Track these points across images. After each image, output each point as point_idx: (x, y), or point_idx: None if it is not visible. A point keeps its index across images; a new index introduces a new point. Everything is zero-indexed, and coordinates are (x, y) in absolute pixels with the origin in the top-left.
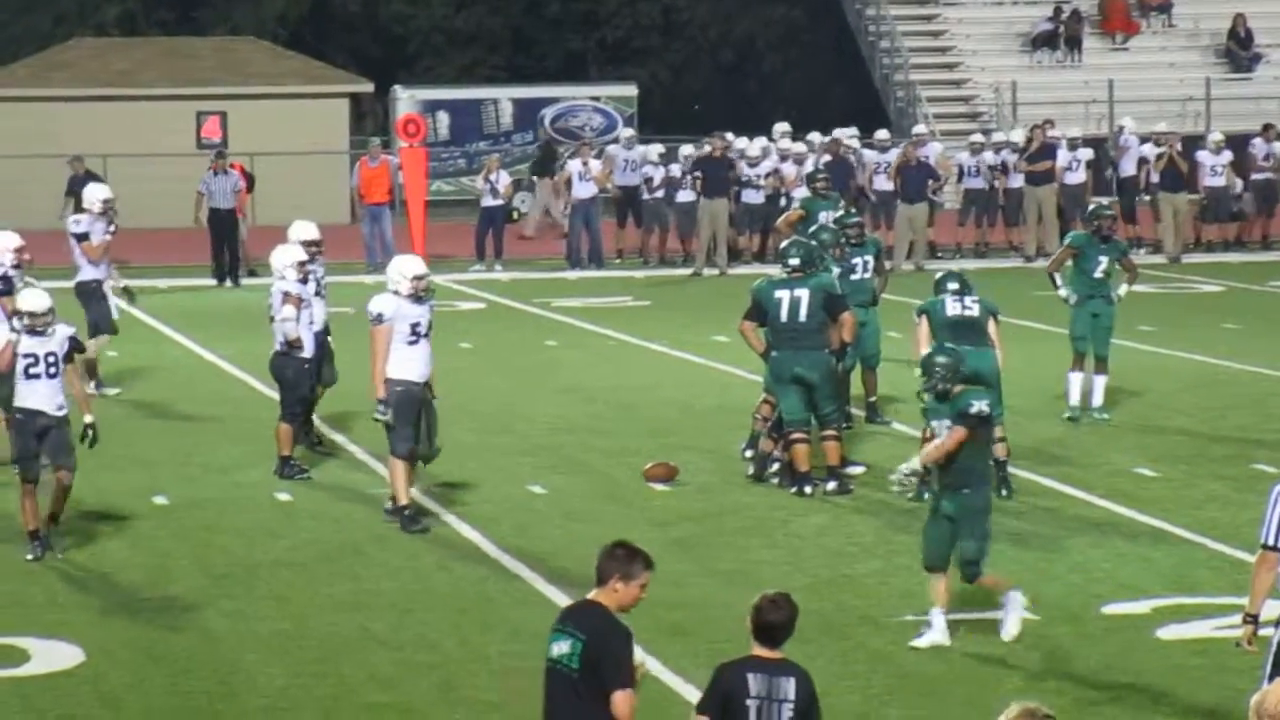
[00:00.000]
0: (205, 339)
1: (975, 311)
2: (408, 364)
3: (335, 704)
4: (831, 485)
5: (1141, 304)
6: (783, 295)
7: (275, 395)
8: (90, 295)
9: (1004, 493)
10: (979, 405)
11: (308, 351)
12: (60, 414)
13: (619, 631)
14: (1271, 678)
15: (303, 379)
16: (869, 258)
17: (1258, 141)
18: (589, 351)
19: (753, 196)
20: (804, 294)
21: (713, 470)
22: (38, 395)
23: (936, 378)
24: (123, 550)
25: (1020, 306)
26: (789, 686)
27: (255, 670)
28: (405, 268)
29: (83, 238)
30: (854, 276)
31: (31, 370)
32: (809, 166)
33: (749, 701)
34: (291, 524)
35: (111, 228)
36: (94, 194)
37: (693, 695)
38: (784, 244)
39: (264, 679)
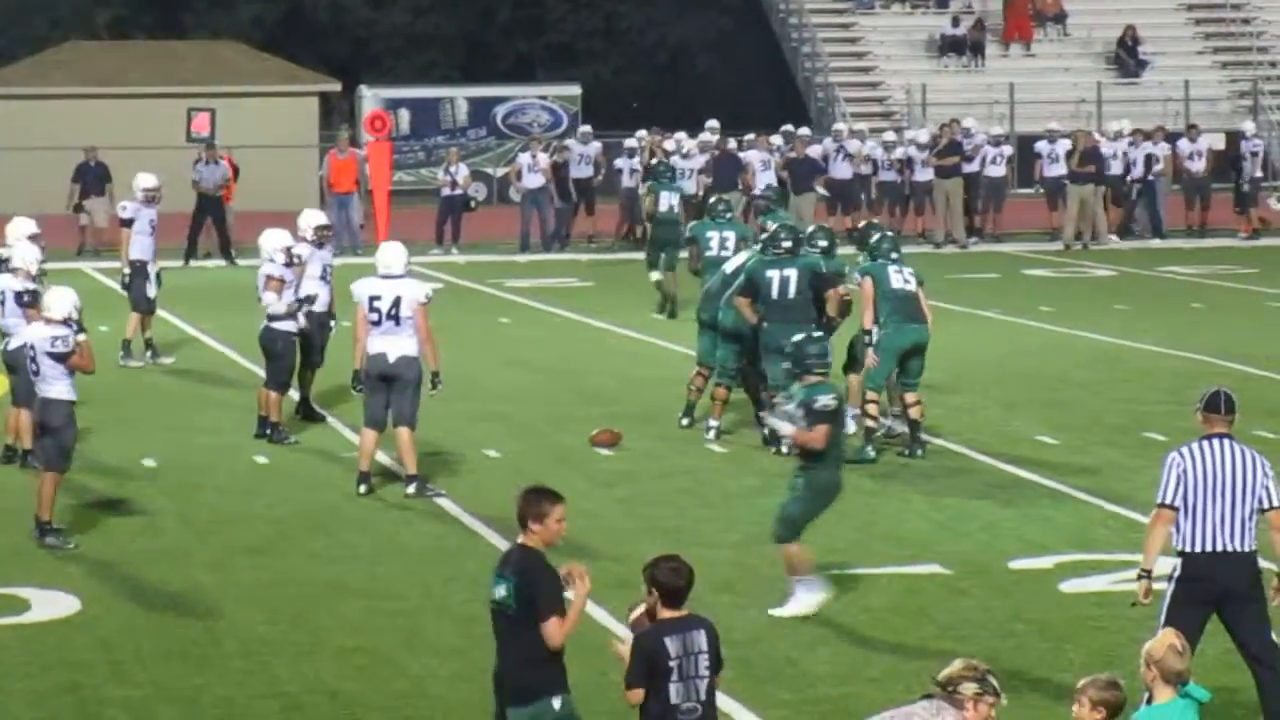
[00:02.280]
0: (189, 314)
1: (913, 285)
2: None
3: (310, 648)
4: None
5: (1041, 287)
6: (774, 274)
7: (253, 367)
8: (138, 273)
9: (919, 453)
10: (824, 400)
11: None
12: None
13: (543, 567)
14: (1163, 627)
15: (290, 351)
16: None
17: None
18: (539, 328)
19: (688, 188)
20: (793, 273)
21: (653, 436)
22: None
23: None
24: (115, 508)
25: (929, 288)
26: (701, 639)
27: (236, 617)
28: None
29: (128, 223)
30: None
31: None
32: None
33: (671, 663)
34: (269, 484)
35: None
36: (140, 182)
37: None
38: (774, 227)
39: (244, 625)
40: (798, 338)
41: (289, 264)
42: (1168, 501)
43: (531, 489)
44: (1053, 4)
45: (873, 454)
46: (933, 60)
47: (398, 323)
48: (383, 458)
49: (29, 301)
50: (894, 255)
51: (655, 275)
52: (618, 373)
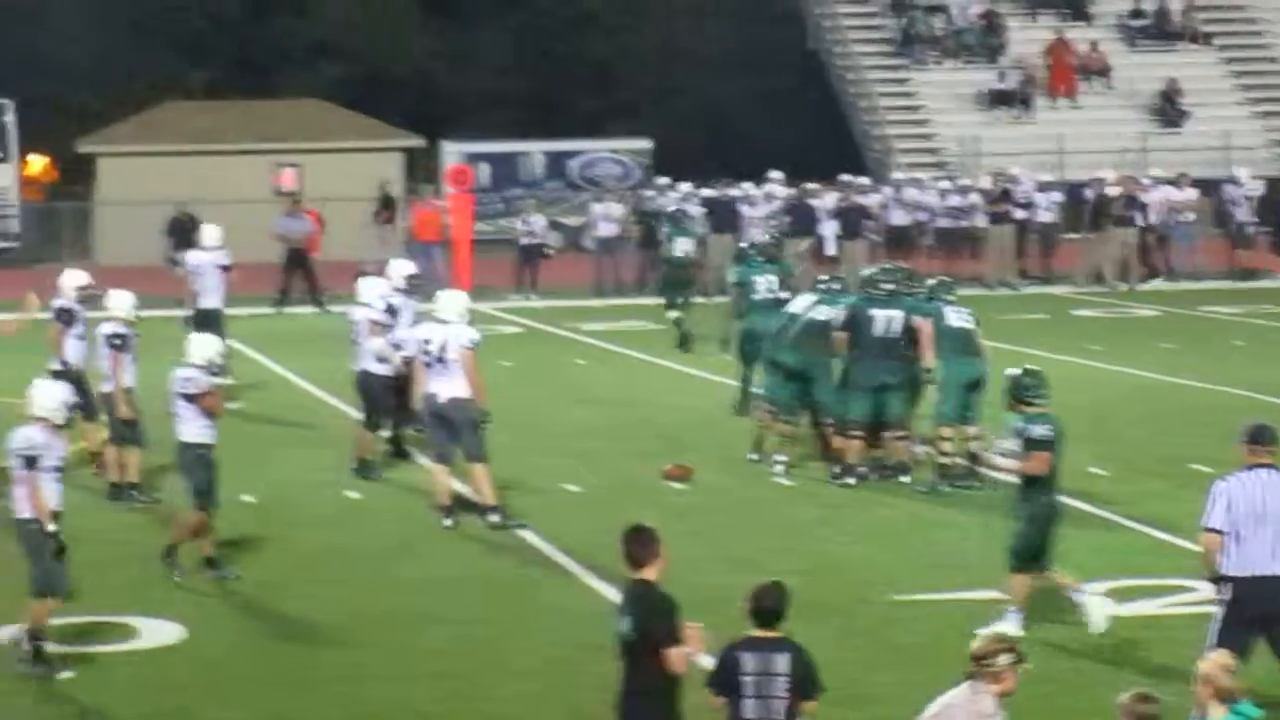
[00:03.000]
0: (280, 357)
1: (972, 324)
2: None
3: (402, 674)
4: (905, 478)
5: (1089, 326)
6: (878, 314)
7: (343, 406)
8: (213, 321)
9: (978, 485)
10: (1041, 430)
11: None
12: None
13: (663, 600)
14: (1217, 646)
15: (387, 394)
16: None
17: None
18: (613, 369)
19: (756, 235)
20: (897, 314)
21: (723, 470)
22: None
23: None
24: (217, 541)
25: (985, 329)
26: (782, 661)
27: (332, 644)
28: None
29: (229, 268)
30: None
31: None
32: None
33: (745, 677)
34: (361, 518)
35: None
36: (216, 234)
37: (708, 666)
38: (873, 271)
39: (340, 652)
40: (1014, 371)
41: (388, 309)
42: (1215, 526)
43: (638, 529)
44: (1097, 59)
45: (946, 488)
46: (983, 112)
47: (445, 365)
48: (468, 492)
49: (119, 345)
50: (949, 297)
51: (673, 314)
52: (689, 410)
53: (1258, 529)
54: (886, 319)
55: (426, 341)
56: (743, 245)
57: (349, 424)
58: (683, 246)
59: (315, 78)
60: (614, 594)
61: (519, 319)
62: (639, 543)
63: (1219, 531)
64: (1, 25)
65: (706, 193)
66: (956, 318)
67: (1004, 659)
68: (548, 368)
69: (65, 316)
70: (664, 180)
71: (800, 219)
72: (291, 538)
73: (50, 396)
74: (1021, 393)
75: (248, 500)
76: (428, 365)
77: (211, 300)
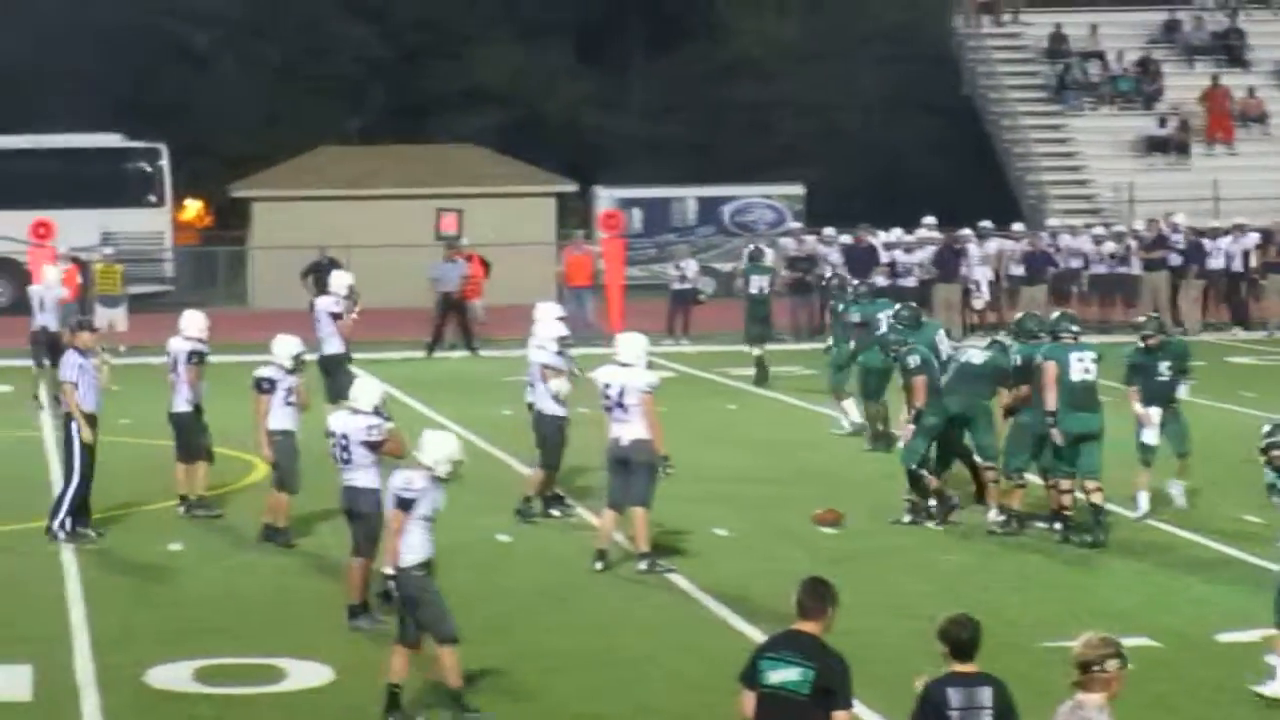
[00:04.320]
0: (431, 401)
1: (1093, 375)
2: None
3: (549, 716)
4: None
5: (1243, 373)
6: (1074, 357)
7: (493, 450)
8: (336, 366)
9: (1101, 538)
10: None
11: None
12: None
13: (841, 659)
14: None
15: (561, 436)
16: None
17: None
18: (763, 413)
19: (907, 281)
20: (1089, 355)
21: (871, 516)
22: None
23: None
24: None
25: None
26: (986, 695)
27: (481, 687)
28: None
29: (338, 316)
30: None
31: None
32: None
33: (951, 712)
34: (512, 562)
35: (355, 309)
36: (340, 280)
37: (870, 716)
38: (1057, 314)
39: (489, 694)
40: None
41: (559, 353)
42: None
43: (822, 582)
44: (1255, 106)
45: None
46: (1138, 159)
47: (625, 409)
48: (618, 537)
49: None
50: (1076, 347)
51: (756, 351)
52: (837, 454)
53: None
54: (1081, 361)
55: (606, 386)
56: (856, 283)
57: (498, 468)
58: (757, 284)
59: (469, 123)
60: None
61: (671, 364)
62: (813, 594)
63: None
64: (157, 70)
65: (844, 239)
66: (1079, 369)
67: (1111, 664)
68: (698, 412)
69: (195, 358)
70: (829, 231)
71: (947, 263)
72: (444, 580)
73: (440, 449)
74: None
75: None
76: (607, 410)
77: (330, 346)
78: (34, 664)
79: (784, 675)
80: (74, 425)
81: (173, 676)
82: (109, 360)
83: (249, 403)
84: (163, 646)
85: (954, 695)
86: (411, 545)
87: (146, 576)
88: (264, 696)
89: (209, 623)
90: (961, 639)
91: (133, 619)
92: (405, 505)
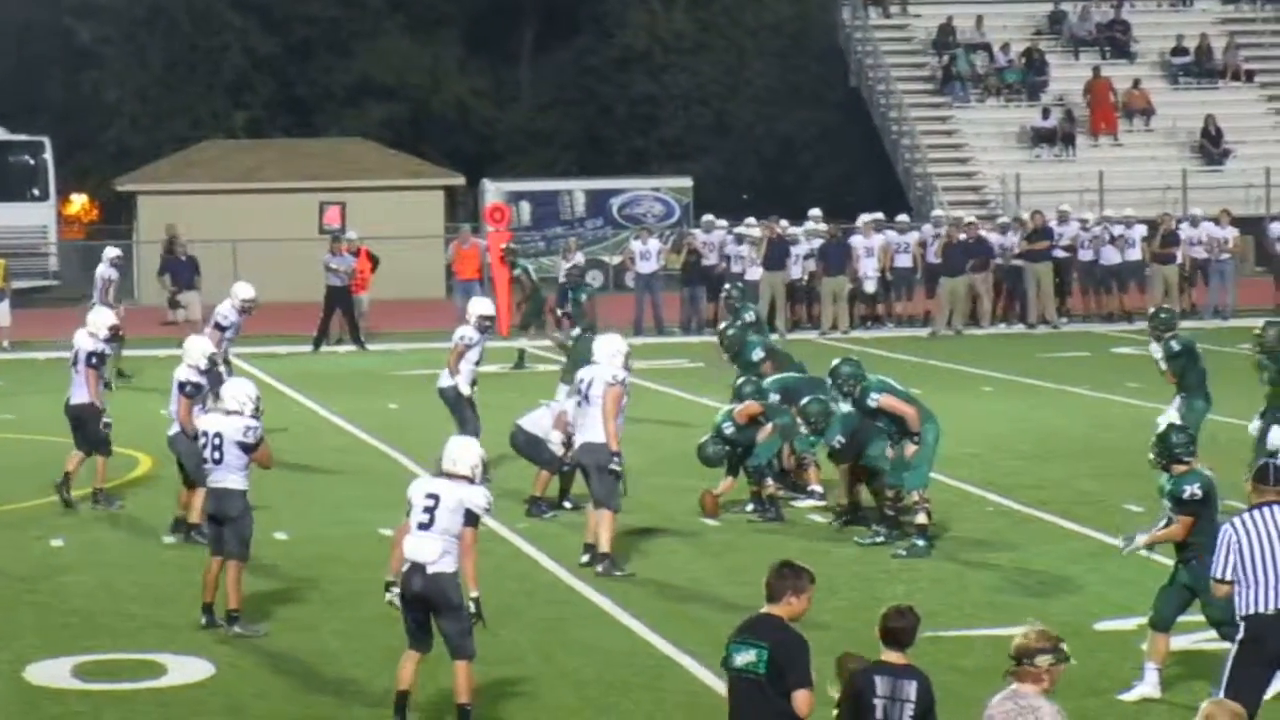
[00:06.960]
0: (321, 397)
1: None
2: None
3: (437, 711)
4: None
5: (1128, 364)
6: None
7: (382, 446)
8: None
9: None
10: (1190, 489)
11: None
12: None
13: (798, 639)
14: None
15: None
16: None
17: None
18: (651, 405)
19: (795, 272)
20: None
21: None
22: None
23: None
24: (248, 579)
25: (1026, 366)
26: (911, 689)
27: (365, 681)
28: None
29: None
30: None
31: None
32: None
33: (876, 700)
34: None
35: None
36: (243, 290)
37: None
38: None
39: (372, 691)
40: (1163, 429)
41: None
42: (1221, 576)
43: (791, 566)
44: (1139, 98)
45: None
46: (1024, 150)
47: (589, 400)
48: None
49: (190, 392)
50: None
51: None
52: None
53: (1266, 567)
54: None
55: (580, 380)
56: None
57: (385, 461)
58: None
59: (358, 117)
60: (634, 622)
61: (559, 356)
62: (779, 576)
63: (1228, 581)
64: (41, 65)
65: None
66: None
67: (1042, 659)
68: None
69: (96, 359)
70: (708, 217)
71: (834, 258)
72: (326, 576)
73: (473, 455)
74: (1171, 451)
75: (280, 538)
76: (578, 405)
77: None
78: None
79: (745, 658)
80: None
81: (52, 673)
82: None
83: (139, 398)
84: (42, 643)
85: (880, 683)
86: (450, 552)
87: (26, 573)
88: (143, 692)
89: (89, 619)
90: (891, 628)
91: (12, 616)
92: (475, 521)
